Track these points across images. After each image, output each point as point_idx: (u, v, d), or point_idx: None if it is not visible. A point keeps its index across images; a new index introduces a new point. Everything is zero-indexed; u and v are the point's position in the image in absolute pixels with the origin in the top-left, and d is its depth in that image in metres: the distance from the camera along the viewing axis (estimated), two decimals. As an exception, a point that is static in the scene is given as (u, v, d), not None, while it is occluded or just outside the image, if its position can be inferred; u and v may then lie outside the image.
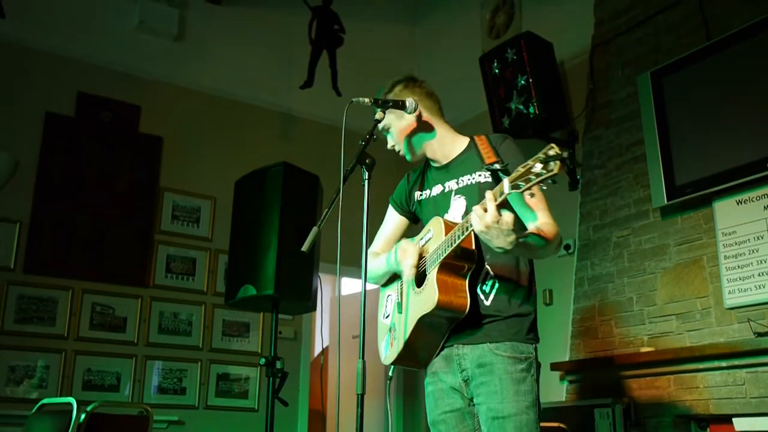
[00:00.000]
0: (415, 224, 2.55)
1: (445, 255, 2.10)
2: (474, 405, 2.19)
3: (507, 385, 2.11)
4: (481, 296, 2.19)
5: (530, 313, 2.22)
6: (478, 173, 2.27)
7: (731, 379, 3.62)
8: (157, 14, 5.63)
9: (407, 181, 2.55)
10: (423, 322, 2.15)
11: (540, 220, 2.16)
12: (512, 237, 1.91)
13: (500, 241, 1.91)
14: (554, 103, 4.93)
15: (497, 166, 2.07)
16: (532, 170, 1.77)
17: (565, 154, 1.73)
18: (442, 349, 2.25)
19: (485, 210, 1.89)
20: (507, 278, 2.21)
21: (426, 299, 2.13)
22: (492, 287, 2.20)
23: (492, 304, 2.18)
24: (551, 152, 1.73)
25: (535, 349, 2.20)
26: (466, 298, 2.12)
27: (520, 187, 1.80)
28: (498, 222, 1.88)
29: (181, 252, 5.50)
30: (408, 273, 2.22)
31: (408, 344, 2.20)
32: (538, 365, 2.21)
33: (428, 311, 2.10)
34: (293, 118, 6.27)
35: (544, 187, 1.89)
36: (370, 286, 2.24)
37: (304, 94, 5.95)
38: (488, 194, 1.90)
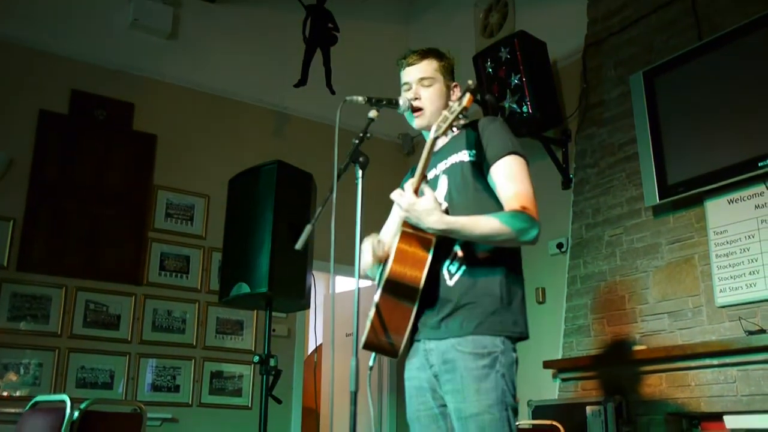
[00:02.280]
0: None
1: (401, 222, 2.07)
2: (446, 406, 2.12)
3: (468, 383, 2.02)
4: (446, 275, 2.12)
5: (500, 304, 2.08)
6: (463, 152, 2.22)
7: (722, 377, 3.65)
8: (151, 12, 5.61)
9: (411, 174, 2.55)
10: (384, 297, 2.05)
11: (505, 203, 2.07)
12: (434, 216, 1.90)
13: (423, 221, 1.93)
14: (547, 103, 4.94)
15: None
16: (451, 109, 1.82)
17: (473, 86, 1.77)
18: (411, 342, 2.19)
19: (401, 194, 1.93)
20: (477, 260, 2.11)
21: (385, 272, 2.08)
22: (458, 268, 2.11)
23: (455, 286, 2.10)
24: (466, 85, 1.82)
25: (504, 342, 2.06)
26: (421, 271, 2.02)
27: (441, 128, 1.89)
28: (413, 204, 1.91)
29: (174, 250, 5.50)
30: (368, 257, 2.24)
31: (374, 324, 2.07)
32: (512, 359, 2.07)
33: (383, 283, 2.04)
34: (287, 116, 6.27)
35: (461, 121, 1.98)
36: (363, 284, 2.24)
37: (298, 92, 5.95)
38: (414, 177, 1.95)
